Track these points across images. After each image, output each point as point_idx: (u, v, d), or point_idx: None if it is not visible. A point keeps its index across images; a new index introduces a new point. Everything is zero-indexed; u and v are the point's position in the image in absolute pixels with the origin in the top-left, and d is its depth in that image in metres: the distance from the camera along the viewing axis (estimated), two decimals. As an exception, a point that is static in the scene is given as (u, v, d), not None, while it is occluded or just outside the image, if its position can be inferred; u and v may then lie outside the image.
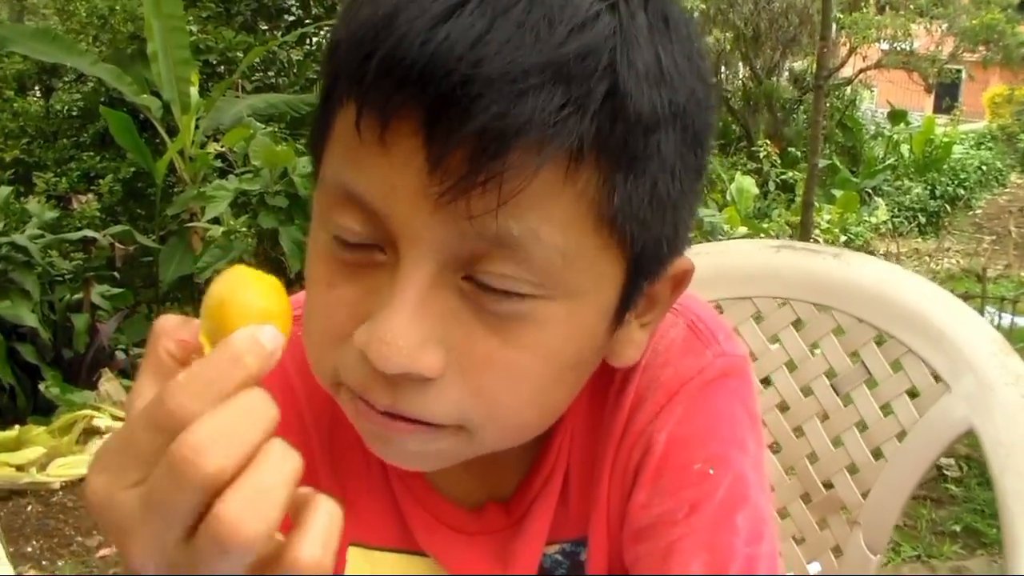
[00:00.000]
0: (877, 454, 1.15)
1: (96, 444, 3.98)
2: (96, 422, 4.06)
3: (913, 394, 1.13)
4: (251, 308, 0.49)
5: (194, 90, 5.47)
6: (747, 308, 1.24)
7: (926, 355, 1.12)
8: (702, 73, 0.61)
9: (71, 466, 3.91)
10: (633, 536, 0.71)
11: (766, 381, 1.24)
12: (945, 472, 3.94)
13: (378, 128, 0.55)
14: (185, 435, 0.43)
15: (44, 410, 4.36)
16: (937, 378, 1.11)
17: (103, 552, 3.46)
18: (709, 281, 1.24)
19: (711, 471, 0.69)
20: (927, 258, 9.89)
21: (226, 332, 0.47)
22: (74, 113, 6.96)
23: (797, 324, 1.22)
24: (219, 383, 0.45)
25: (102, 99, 6.39)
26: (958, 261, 9.80)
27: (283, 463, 0.44)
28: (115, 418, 4.08)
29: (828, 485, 1.19)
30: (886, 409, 1.16)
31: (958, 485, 3.87)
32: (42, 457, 3.95)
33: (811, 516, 1.20)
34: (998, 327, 5.34)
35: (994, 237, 11.14)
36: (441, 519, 0.76)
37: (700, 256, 1.29)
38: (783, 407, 1.23)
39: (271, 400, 0.45)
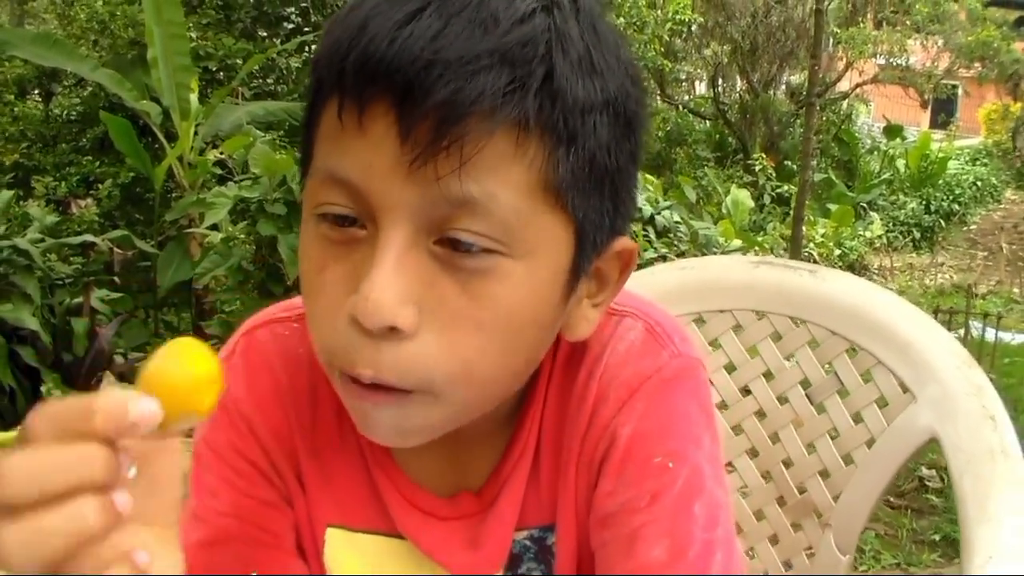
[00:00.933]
0: (848, 460, 1.21)
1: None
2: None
3: (882, 403, 1.19)
4: (177, 376, 0.52)
5: (194, 96, 5.49)
6: (727, 320, 1.29)
7: (894, 367, 1.18)
8: (631, 72, 0.71)
9: (69, 467, 3.95)
10: (599, 522, 0.77)
11: (745, 390, 1.30)
12: (927, 483, 3.98)
13: (356, 115, 0.64)
14: (4, 459, 0.48)
15: (43, 412, 4.38)
16: (904, 388, 1.17)
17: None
18: (692, 294, 1.30)
19: (670, 464, 0.75)
20: (920, 273, 9.93)
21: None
22: (73, 118, 6.96)
23: (774, 336, 1.27)
24: (64, 423, 0.50)
25: (102, 104, 6.39)
26: (951, 276, 9.85)
27: (79, 518, 0.47)
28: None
29: (802, 489, 1.25)
30: (856, 417, 1.22)
31: (939, 496, 3.91)
32: (40, 458, 3.99)
33: (786, 518, 1.26)
34: (982, 342, 5.40)
35: (987, 253, 11.20)
36: (416, 504, 0.82)
37: (684, 271, 1.36)
38: (760, 414, 1.29)
39: (105, 459, 0.49)
